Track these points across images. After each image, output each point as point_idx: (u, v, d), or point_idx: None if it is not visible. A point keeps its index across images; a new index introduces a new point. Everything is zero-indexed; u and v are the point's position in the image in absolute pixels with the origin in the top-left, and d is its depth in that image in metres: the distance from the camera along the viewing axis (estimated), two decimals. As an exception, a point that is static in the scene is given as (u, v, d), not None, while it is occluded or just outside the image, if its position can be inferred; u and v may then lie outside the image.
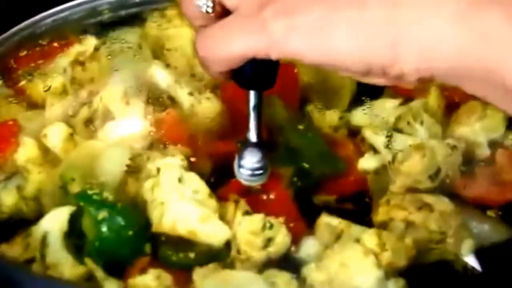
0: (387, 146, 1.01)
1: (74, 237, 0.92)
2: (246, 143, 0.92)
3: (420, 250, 0.92)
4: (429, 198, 0.96)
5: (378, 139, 1.02)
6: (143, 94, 1.04)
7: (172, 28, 1.13)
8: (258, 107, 0.89)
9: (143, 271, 0.87)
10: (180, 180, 0.93)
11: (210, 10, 0.81)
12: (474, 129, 1.04)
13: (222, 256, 0.91)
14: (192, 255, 0.90)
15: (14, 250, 0.90)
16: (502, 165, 1.02)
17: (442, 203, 0.95)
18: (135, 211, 0.93)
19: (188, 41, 1.11)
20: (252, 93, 0.89)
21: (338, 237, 0.94)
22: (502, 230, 0.97)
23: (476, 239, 0.95)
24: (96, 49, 1.11)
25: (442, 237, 0.94)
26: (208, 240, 0.90)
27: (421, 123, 1.03)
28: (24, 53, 1.12)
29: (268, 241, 0.90)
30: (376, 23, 0.70)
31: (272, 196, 0.96)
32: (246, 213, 0.92)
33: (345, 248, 0.90)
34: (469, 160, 1.03)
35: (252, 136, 0.91)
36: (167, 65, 1.09)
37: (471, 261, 0.94)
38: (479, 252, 0.94)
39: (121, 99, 1.02)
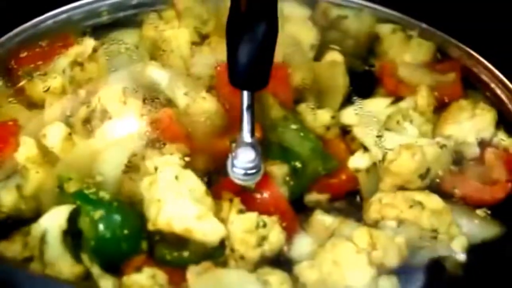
0: (377, 145, 1.01)
1: (72, 235, 0.92)
2: (240, 143, 0.93)
3: (412, 247, 0.93)
4: (420, 196, 0.96)
5: (368, 138, 1.02)
6: (140, 94, 1.04)
7: (169, 30, 1.14)
8: (251, 107, 0.90)
9: (138, 269, 0.88)
10: (177, 178, 0.93)
11: None
12: (464, 128, 1.05)
13: (216, 254, 0.91)
14: (186, 253, 0.90)
15: (13, 248, 0.91)
16: (492, 164, 1.02)
17: (433, 201, 0.96)
18: (132, 209, 0.94)
19: (184, 42, 1.13)
20: (245, 93, 0.90)
21: (331, 234, 0.94)
22: (492, 228, 0.98)
23: (466, 237, 0.96)
24: (95, 50, 1.11)
25: (434, 234, 0.94)
26: (204, 238, 0.90)
27: (411, 122, 1.03)
28: (24, 54, 1.12)
29: (262, 240, 0.91)
30: None
31: (265, 195, 0.96)
32: (240, 211, 0.92)
33: (338, 246, 0.90)
34: (458, 159, 1.04)
35: (246, 136, 0.92)
36: (164, 66, 1.10)
37: (462, 257, 0.94)
38: (469, 249, 0.95)
39: (119, 99, 1.03)
